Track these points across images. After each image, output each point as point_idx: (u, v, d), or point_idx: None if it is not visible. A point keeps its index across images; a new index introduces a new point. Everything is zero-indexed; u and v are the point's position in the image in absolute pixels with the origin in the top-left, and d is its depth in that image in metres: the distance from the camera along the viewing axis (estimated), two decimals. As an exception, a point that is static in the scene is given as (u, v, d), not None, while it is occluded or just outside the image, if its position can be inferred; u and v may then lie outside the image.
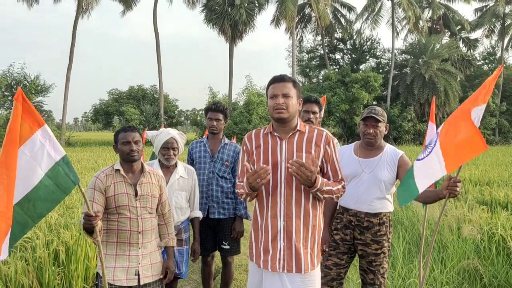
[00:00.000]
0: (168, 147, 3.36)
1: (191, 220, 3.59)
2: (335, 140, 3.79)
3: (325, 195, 2.38)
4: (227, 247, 3.86)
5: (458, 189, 2.55)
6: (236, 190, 2.59)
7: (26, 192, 2.01)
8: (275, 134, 2.46)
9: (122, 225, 2.67)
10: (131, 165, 2.76)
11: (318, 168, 2.43)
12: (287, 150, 2.42)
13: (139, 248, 2.71)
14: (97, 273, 2.77)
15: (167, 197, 2.97)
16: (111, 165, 2.80)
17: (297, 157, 2.38)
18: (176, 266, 3.28)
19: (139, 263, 2.70)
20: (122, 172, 2.73)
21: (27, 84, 29.82)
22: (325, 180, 2.39)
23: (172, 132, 3.40)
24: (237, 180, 2.58)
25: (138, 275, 2.69)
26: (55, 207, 2.17)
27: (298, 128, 2.46)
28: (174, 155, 3.39)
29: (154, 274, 2.77)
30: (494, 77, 2.56)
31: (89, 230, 2.36)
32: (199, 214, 3.61)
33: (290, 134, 2.45)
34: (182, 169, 3.50)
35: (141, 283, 2.70)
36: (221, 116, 3.88)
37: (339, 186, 2.44)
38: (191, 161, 4.00)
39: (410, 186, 2.64)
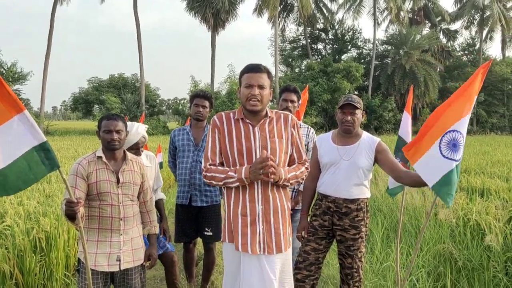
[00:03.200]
0: (138, 147, 3.35)
1: (156, 202, 3.60)
2: (313, 130, 3.84)
3: (291, 181, 2.50)
4: (210, 233, 3.88)
5: None
6: (206, 174, 2.48)
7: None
8: (247, 121, 2.50)
9: (104, 211, 2.68)
10: (113, 152, 2.76)
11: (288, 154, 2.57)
12: (260, 137, 2.47)
13: (121, 235, 2.72)
14: (79, 259, 2.77)
15: (149, 185, 2.98)
16: (93, 152, 2.80)
17: (270, 142, 2.46)
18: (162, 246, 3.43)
19: (120, 249, 2.71)
20: (104, 159, 2.72)
21: (4, 71, 29.12)
22: (286, 168, 2.50)
23: (141, 131, 3.34)
24: (205, 163, 2.51)
25: (120, 260, 2.71)
26: (26, 188, 2.20)
27: (269, 115, 2.53)
28: (142, 151, 3.41)
29: (135, 259, 2.79)
30: (484, 69, 2.65)
31: (71, 216, 2.35)
32: (162, 195, 3.70)
33: (262, 121, 2.51)
34: (145, 158, 3.50)
35: (122, 268, 2.71)
36: (207, 103, 3.89)
37: (303, 169, 2.57)
38: (173, 148, 4.00)
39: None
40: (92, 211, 2.69)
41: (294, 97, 3.68)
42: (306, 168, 2.59)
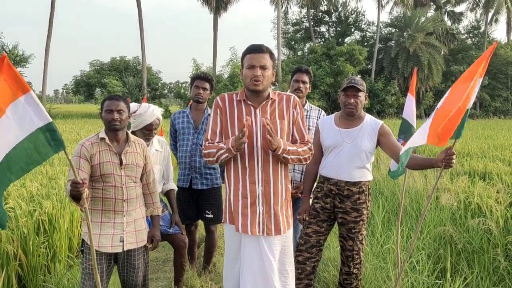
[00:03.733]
0: (152, 128, 3.34)
1: (167, 193, 3.59)
2: (322, 113, 3.82)
3: (292, 156, 2.46)
4: (211, 216, 3.91)
5: (453, 161, 2.62)
6: (205, 152, 2.52)
7: (5, 153, 2.05)
8: (249, 102, 2.51)
9: (107, 193, 2.69)
10: (115, 133, 2.75)
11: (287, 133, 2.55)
12: (261, 118, 2.47)
13: (124, 216, 2.73)
14: (83, 240, 2.80)
15: (151, 167, 2.99)
16: (95, 134, 2.80)
17: (271, 123, 2.44)
18: (168, 228, 3.42)
19: (123, 230, 2.73)
20: (107, 140, 2.72)
21: (5, 54, 28.99)
22: (287, 142, 2.48)
23: (156, 113, 3.34)
24: (204, 143, 2.57)
25: (123, 241, 2.73)
26: (31, 170, 2.21)
27: (271, 96, 2.52)
28: (154, 134, 3.39)
29: (138, 240, 2.81)
30: (490, 52, 2.57)
31: (76, 197, 2.37)
32: (173, 186, 3.63)
33: (263, 102, 2.50)
34: (157, 142, 3.49)
35: (125, 249, 2.74)
36: (207, 86, 3.87)
37: (305, 148, 2.54)
38: (174, 131, 4.00)
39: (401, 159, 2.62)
40: (95, 193, 2.70)
41: (306, 78, 3.62)
42: (310, 149, 2.57)
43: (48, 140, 2.12)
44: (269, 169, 2.47)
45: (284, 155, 2.42)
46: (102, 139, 2.73)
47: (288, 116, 2.54)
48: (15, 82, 2.06)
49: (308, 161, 2.60)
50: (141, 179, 2.89)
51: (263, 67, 2.41)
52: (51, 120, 2.14)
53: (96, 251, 2.65)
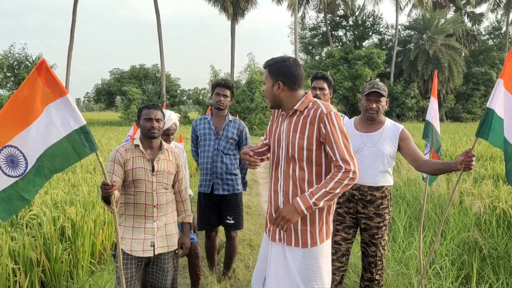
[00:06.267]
0: (169, 133, 3.40)
1: None
2: (339, 114, 3.77)
3: (324, 200, 2.23)
4: (232, 221, 3.92)
5: (473, 163, 2.57)
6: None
7: (45, 148, 2.21)
8: (281, 112, 2.53)
9: (138, 198, 2.79)
10: (150, 141, 2.87)
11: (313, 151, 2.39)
12: (286, 129, 2.43)
13: (154, 221, 2.83)
14: (115, 243, 2.87)
15: (184, 175, 3.07)
16: (131, 140, 2.93)
17: (291, 137, 2.37)
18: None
19: (154, 235, 2.82)
20: (141, 147, 2.84)
21: (29, 64, 29.79)
22: (307, 193, 2.26)
23: (173, 118, 3.39)
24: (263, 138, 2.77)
25: (153, 246, 2.81)
26: (70, 166, 2.35)
27: (295, 107, 2.38)
28: (172, 139, 3.44)
29: (169, 245, 2.90)
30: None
31: (107, 199, 2.47)
32: (190, 192, 3.65)
33: (290, 113, 2.43)
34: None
35: (156, 253, 2.82)
36: (228, 93, 3.90)
37: (338, 176, 2.23)
38: (195, 137, 4.03)
39: None
40: (127, 198, 2.80)
41: (323, 84, 3.56)
42: (346, 172, 2.22)
43: (82, 141, 2.26)
44: (289, 181, 2.39)
45: (313, 208, 2.25)
46: (137, 146, 2.85)
47: (310, 131, 2.33)
48: (53, 85, 2.19)
49: (353, 183, 2.27)
50: (173, 187, 2.98)
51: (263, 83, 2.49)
52: (85, 122, 2.27)
53: (128, 255, 2.76)
